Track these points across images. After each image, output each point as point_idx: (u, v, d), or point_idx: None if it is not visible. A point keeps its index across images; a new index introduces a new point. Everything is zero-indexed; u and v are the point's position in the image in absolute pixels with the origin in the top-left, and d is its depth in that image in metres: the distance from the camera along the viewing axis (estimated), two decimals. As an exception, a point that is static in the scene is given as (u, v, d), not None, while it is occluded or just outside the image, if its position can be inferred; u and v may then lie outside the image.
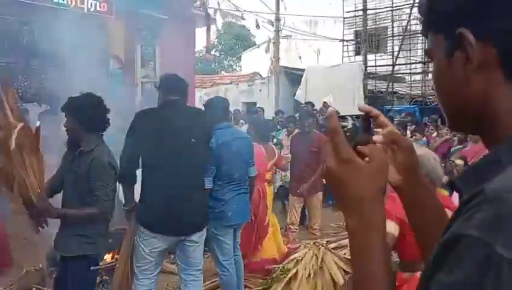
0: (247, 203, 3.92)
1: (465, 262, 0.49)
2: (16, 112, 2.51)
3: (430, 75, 13.59)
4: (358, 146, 0.71)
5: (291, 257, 3.73)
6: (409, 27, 12.84)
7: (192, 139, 3.13)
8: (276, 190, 7.99)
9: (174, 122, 3.06)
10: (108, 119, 2.86)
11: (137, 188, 3.18)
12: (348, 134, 0.74)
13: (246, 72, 17.50)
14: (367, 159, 0.70)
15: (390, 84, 12.78)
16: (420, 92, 12.86)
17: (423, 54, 13.21)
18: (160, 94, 3.22)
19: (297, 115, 9.77)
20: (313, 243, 3.77)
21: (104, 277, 4.15)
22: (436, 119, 9.86)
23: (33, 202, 2.50)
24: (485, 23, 0.60)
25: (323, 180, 6.02)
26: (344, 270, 3.36)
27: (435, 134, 8.17)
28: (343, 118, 8.93)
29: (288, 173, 7.36)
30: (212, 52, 21.21)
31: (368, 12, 13.53)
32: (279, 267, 3.74)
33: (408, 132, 7.86)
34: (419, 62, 13.23)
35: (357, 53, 14.25)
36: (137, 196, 3.18)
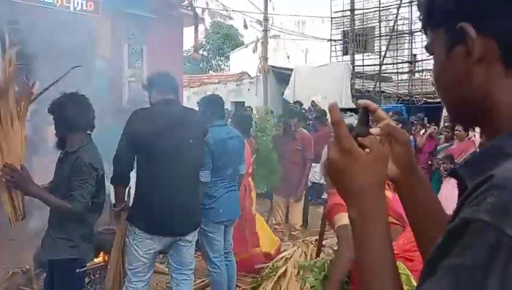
0: (237, 200, 3.96)
1: (476, 245, 0.50)
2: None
3: (417, 75, 13.77)
4: (359, 138, 0.73)
5: (281, 255, 3.75)
6: (395, 27, 12.96)
7: (191, 140, 3.13)
8: (264, 189, 8.03)
9: (172, 122, 3.04)
10: (94, 118, 2.81)
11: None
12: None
13: (234, 72, 17.49)
14: (367, 150, 0.71)
15: (378, 83, 12.87)
16: (407, 91, 12.99)
17: (410, 53, 13.36)
18: (154, 93, 3.17)
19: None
20: (302, 241, 3.80)
21: (92, 277, 4.12)
22: (423, 118, 9.97)
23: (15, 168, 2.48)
24: (485, 17, 0.62)
25: (309, 178, 6.07)
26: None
27: (422, 132, 8.26)
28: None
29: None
30: (200, 51, 21.14)
31: (356, 12, 13.62)
32: (268, 266, 3.75)
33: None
34: (406, 62, 13.36)
35: (345, 53, 14.33)
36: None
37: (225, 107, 10.16)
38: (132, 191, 3.20)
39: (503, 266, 0.49)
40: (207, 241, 3.73)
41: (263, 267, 3.99)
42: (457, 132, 6.64)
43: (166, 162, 2.98)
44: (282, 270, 3.52)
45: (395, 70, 13.53)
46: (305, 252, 3.57)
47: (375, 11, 13.52)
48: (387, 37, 13.11)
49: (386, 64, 13.11)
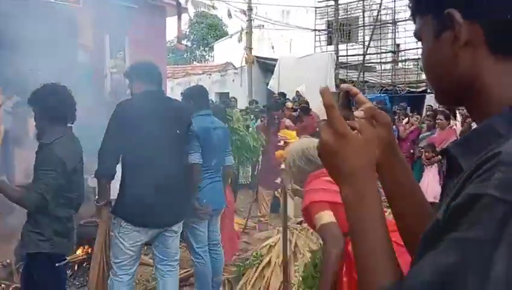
0: (222, 190, 3.95)
1: (484, 220, 0.52)
2: None
3: (400, 64, 13.89)
4: (348, 121, 0.74)
5: (265, 243, 3.77)
6: (379, 17, 13.03)
7: (177, 131, 3.11)
8: (249, 180, 8.05)
9: (158, 113, 3.00)
10: (75, 110, 2.75)
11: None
12: None
13: (219, 62, 17.40)
14: (356, 132, 0.73)
15: (361, 73, 12.96)
16: (390, 80, 13.11)
17: (393, 43, 13.46)
18: (138, 83, 3.11)
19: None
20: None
21: (76, 269, 4.11)
22: (405, 107, 10.09)
23: None
24: (471, 3, 0.65)
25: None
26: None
27: (405, 121, 8.36)
28: None
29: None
30: (184, 42, 20.93)
31: (340, 2, 13.64)
32: (252, 254, 3.77)
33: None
34: (389, 51, 13.47)
35: (329, 43, 14.37)
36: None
37: (209, 98, 10.11)
38: (116, 185, 3.17)
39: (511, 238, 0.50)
40: (191, 232, 3.74)
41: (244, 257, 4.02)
42: (438, 121, 6.73)
43: (152, 153, 2.95)
44: (266, 259, 3.54)
45: (379, 60, 13.63)
46: (289, 239, 3.58)
47: (359, 0, 13.56)
48: (371, 27, 13.18)
49: (369, 54, 13.19)
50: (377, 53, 13.52)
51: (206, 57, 26.35)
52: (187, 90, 4.02)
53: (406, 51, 13.09)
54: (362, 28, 13.69)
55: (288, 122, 5.73)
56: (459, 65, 0.67)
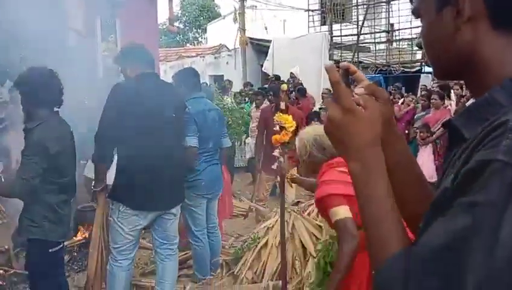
0: (220, 173, 3.97)
1: (494, 183, 0.53)
2: None
3: (395, 44, 13.81)
4: (353, 97, 0.76)
5: (262, 225, 3.78)
6: (373, -4, 12.90)
7: (173, 114, 3.08)
8: (247, 162, 8.04)
9: (154, 96, 2.98)
10: (61, 94, 2.69)
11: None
12: None
13: (212, 45, 17.21)
14: (360, 108, 0.75)
15: (356, 54, 12.88)
16: (385, 61, 13.05)
17: (387, 22, 13.35)
18: (132, 67, 3.06)
19: (266, 86, 9.77)
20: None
21: (75, 254, 4.12)
22: (400, 87, 10.08)
23: None
24: None
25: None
26: (316, 237, 3.44)
27: (400, 101, 8.36)
28: None
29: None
30: (176, 24, 20.65)
31: (333, -19, 13.47)
32: (250, 236, 3.79)
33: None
34: (383, 31, 13.37)
35: (323, 23, 14.23)
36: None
37: (204, 81, 10.06)
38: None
39: None
40: (189, 215, 3.75)
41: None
42: (433, 100, 6.73)
43: (148, 136, 2.93)
44: (263, 241, 3.56)
45: (373, 41, 13.54)
46: (286, 221, 3.58)
47: (353, -21, 13.40)
48: (365, 7, 13.05)
49: (363, 34, 13.10)
50: (371, 33, 13.43)
51: (199, 39, 26.04)
52: (178, 74, 3.98)
53: (400, 31, 13.00)
54: (356, 7, 13.56)
55: (295, 108, 5.56)
56: (460, 40, 0.69)
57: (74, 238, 4.15)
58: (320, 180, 2.16)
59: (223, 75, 13.30)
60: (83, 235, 4.17)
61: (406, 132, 7.35)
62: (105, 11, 6.24)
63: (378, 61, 13.11)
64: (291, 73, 10.61)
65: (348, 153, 0.73)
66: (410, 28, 11.66)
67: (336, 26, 13.43)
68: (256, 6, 15.95)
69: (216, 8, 25.80)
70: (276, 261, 3.37)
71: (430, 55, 0.77)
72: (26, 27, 4.31)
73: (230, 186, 5.46)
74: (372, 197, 0.70)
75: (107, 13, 6.35)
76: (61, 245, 2.75)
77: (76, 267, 4.03)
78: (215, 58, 14.81)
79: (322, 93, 9.29)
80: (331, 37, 13.03)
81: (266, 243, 3.54)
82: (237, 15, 14.56)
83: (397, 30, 13.11)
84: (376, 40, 13.50)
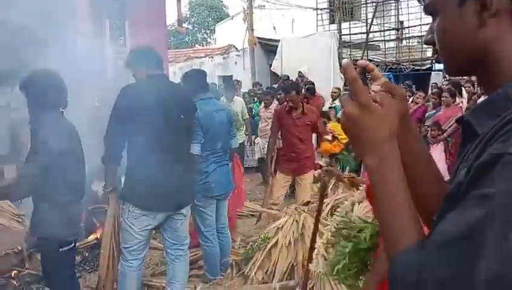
0: (229, 174, 3.97)
1: (507, 175, 0.54)
2: None
3: (404, 42, 13.70)
4: (370, 94, 0.78)
5: (272, 225, 3.77)
6: (382, -7, 12.80)
7: (181, 115, 3.09)
8: (257, 163, 8.03)
9: (163, 97, 2.99)
10: (66, 95, 2.72)
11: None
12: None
13: (221, 45, 17.23)
14: (377, 105, 0.76)
15: (365, 52, 12.79)
16: (394, 59, 12.94)
17: (396, 20, 13.24)
18: (140, 69, 3.08)
19: (275, 85, 9.75)
20: (294, 209, 3.79)
21: (86, 254, 4.16)
22: (411, 85, 9.99)
23: None
24: None
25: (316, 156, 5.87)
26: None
27: (410, 100, 8.28)
28: None
29: (266, 146, 7.33)
30: (185, 25, 20.73)
31: (341, -21, 13.38)
32: (260, 236, 3.79)
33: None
34: (392, 29, 13.26)
35: (332, 21, 14.16)
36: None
37: (213, 82, 10.05)
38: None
39: None
40: (199, 216, 3.76)
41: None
42: (444, 98, 6.66)
43: (159, 137, 2.94)
44: (273, 241, 3.55)
45: (382, 38, 13.44)
46: (296, 221, 3.56)
47: (361, -23, 13.31)
48: (374, 4, 12.95)
49: (373, 31, 13.00)
50: (381, 31, 13.31)
51: (208, 39, 26.11)
52: (185, 75, 3.97)
53: (409, 28, 12.89)
54: (365, 5, 13.46)
55: (312, 107, 5.50)
56: (483, 35, 0.68)
57: (86, 239, 4.18)
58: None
59: (232, 76, 13.30)
60: (95, 236, 4.20)
61: (417, 129, 7.28)
62: (114, 12, 6.28)
63: (387, 60, 13.00)
64: (299, 72, 10.58)
65: (365, 149, 0.75)
66: (420, 25, 11.54)
67: (344, 25, 13.35)
68: (264, 6, 15.95)
69: (224, 9, 25.85)
70: (287, 261, 3.37)
71: (444, 50, 0.76)
72: (36, 29, 4.36)
73: (242, 178, 5.36)
74: (388, 191, 0.72)
75: (116, 15, 6.39)
76: (72, 245, 2.78)
77: (88, 268, 4.06)
78: (223, 58, 14.82)
79: (332, 92, 9.25)
80: (340, 36, 12.94)
81: (276, 243, 3.53)
82: (246, 14, 14.55)
83: (407, 28, 13.00)
84: (385, 38, 13.39)
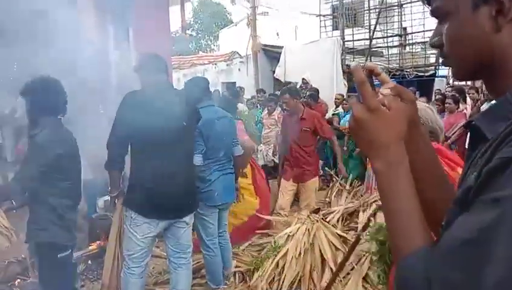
0: (233, 183, 3.93)
1: None
2: None
3: (408, 48, 13.68)
4: (378, 98, 0.78)
5: (284, 232, 3.70)
6: (384, 0, 12.81)
7: (184, 123, 3.08)
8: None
9: (167, 104, 2.99)
10: (65, 102, 2.74)
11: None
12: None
13: (224, 52, 17.27)
14: (385, 108, 0.76)
15: (368, 58, 12.78)
16: (398, 65, 12.92)
17: (400, 26, 13.24)
18: (146, 75, 3.09)
19: (278, 92, 9.73)
20: (307, 217, 3.73)
21: (89, 263, 4.13)
22: (414, 92, 9.95)
23: None
24: None
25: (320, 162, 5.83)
26: (335, 247, 3.37)
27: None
28: None
29: (269, 152, 7.30)
30: (188, 31, 20.80)
31: (344, -14, 13.41)
32: (270, 243, 3.72)
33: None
34: (396, 35, 13.25)
35: (335, 28, 14.18)
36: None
37: (216, 89, 10.05)
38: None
39: None
40: (201, 225, 3.73)
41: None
42: (447, 105, 6.63)
43: (162, 144, 2.93)
44: (284, 250, 3.47)
45: (386, 45, 13.43)
46: (308, 230, 3.48)
47: (364, -16, 13.33)
48: (377, 11, 12.96)
49: (376, 38, 13.00)
50: (384, 37, 13.30)
51: (212, 46, 26.18)
52: (187, 83, 3.96)
53: (413, 34, 12.88)
54: (368, 11, 13.47)
55: (312, 112, 5.48)
56: (498, 40, 0.67)
57: (89, 247, 4.16)
58: None
59: (235, 82, 13.30)
60: (98, 245, 4.18)
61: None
62: (118, 19, 6.30)
63: (391, 66, 12.98)
64: (303, 79, 10.57)
65: (372, 151, 0.75)
66: (423, 31, 11.53)
67: (348, 31, 13.35)
68: (268, 13, 15.99)
69: (228, 15, 25.94)
70: (295, 271, 3.31)
71: (455, 54, 0.75)
72: (41, 37, 4.37)
73: (264, 182, 5.27)
74: (395, 194, 0.71)
75: (120, 22, 6.41)
76: (69, 251, 2.76)
77: (91, 277, 4.04)
78: (227, 65, 14.83)
79: (335, 98, 9.23)
80: (343, 42, 12.94)
81: (286, 253, 3.44)
82: (249, 21, 14.59)
83: (410, 34, 12.99)
84: (389, 45, 13.37)
